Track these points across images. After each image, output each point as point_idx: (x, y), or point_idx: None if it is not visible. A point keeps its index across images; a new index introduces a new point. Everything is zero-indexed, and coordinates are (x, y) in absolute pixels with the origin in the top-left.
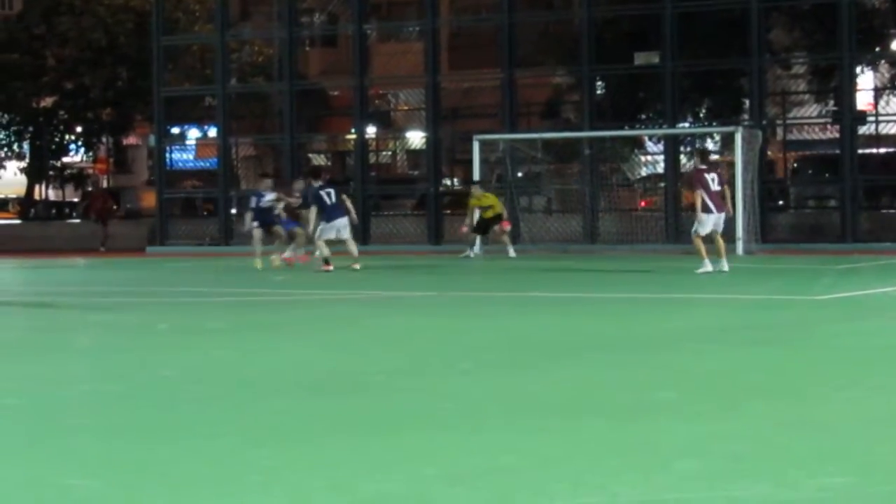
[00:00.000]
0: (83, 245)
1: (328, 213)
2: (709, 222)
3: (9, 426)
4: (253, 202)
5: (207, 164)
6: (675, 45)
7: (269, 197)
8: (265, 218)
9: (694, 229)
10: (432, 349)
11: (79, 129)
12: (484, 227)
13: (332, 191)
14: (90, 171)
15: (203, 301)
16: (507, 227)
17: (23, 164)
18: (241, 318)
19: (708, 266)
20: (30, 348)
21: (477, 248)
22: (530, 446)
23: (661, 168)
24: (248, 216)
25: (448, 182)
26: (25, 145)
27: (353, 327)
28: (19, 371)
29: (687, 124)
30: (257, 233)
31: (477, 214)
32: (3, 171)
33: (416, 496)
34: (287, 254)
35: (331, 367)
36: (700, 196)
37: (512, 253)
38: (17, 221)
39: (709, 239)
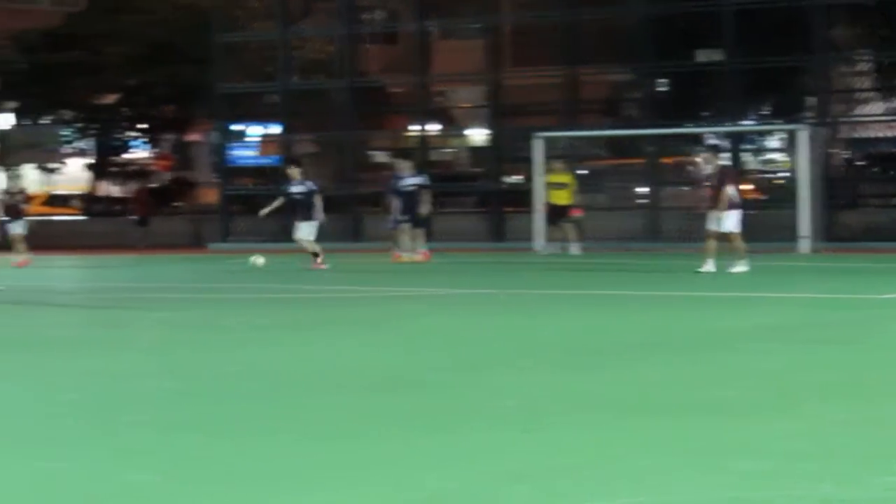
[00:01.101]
0: (160, 242)
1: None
2: (738, 218)
3: (70, 421)
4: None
5: (269, 161)
6: (737, 42)
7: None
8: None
9: (727, 227)
10: (491, 346)
11: (142, 126)
12: (554, 216)
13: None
14: (153, 167)
15: (264, 297)
16: (579, 213)
17: (87, 161)
18: (302, 315)
19: (743, 266)
20: (92, 344)
21: (566, 244)
22: (589, 444)
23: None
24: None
25: (509, 179)
26: (89, 142)
27: (412, 324)
28: (81, 367)
29: (748, 122)
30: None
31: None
32: (64, 166)
33: (475, 494)
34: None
35: (390, 363)
36: (729, 192)
37: (574, 250)
38: (81, 218)
39: (724, 237)
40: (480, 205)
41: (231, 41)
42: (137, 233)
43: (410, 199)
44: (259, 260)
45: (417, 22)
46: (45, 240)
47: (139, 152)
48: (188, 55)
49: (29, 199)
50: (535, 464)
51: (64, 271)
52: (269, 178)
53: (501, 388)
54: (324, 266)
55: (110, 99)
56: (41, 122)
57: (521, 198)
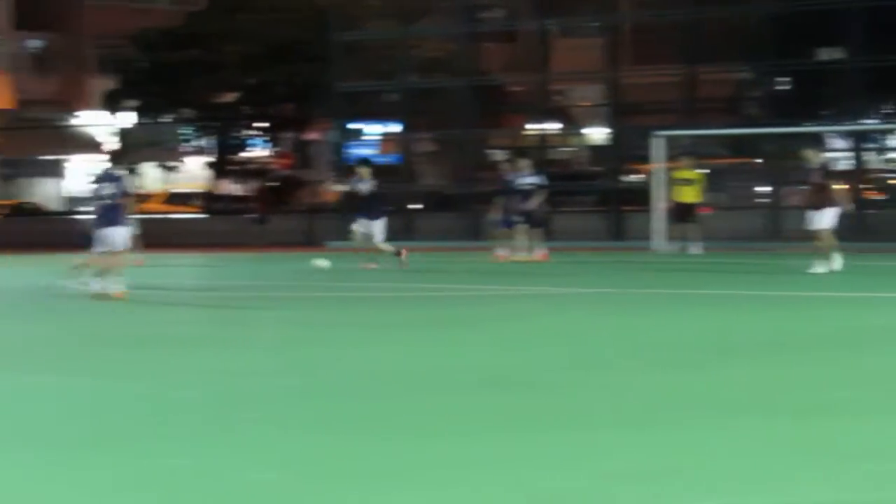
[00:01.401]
0: (278, 240)
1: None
2: (832, 216)
3: (189, 418)
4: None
5: (388, 159)
6: (859, 39)
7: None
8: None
9: (820, 224)
10: (606, 346)
11: (262, 124)
12: (681, 215)
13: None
14: (273, 166)
15: (380, 296)
16: (707, 212)
17: (206, 159)
18: (418, 313)
19: (825, 266)
20: (211, 342)
21: (686, 243)
22: (708, 444)
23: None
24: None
25: (628, 178)
26: (209, 140)
27: (528, 323)
28: (201, 364)
29: (870, 121)
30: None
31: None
32: (184, 164)
33: (594, 494)
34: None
35: (506, 362)
36: (832, 190)
37: (695, 250)
38: (201, 216)
39: (828, 235)
40: (599, 204)
41: (350, 40)
42: (256, 231)
43: (527, 198)
44: (322, 263)
45: (537, 20)
46: (164, 238)
47: (258, 151)
48: (307, 54)
49: (138, 198)
50: (651, 464)
51: (183, 269)
52: (388, 176)
53: (615, 388)
54: (374, 266)
55: (230, 97)
56: (161, 120)
57: (639, 196)
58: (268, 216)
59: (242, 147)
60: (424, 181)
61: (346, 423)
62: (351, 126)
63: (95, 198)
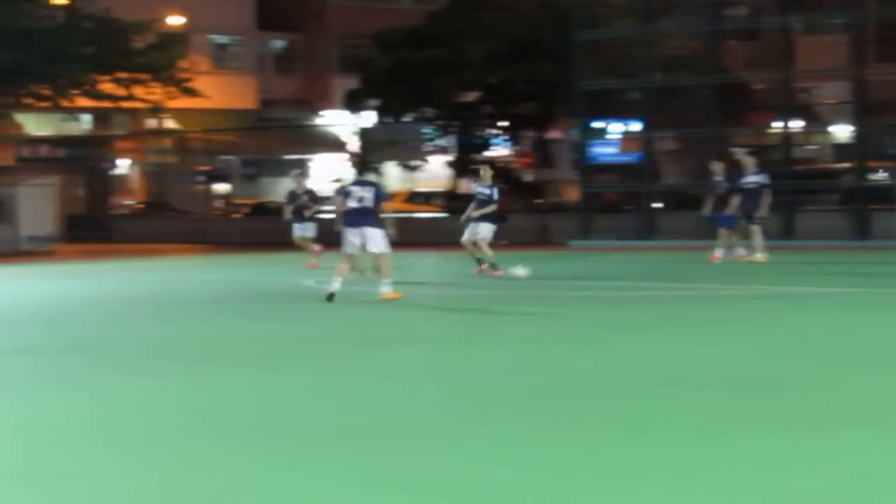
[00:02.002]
0: (516, 239)
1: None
2: None
3: (437, 416)
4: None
5: (629, 158)
6: None
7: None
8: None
9: None
10: (854, 347)
11: (503, 124)
12: None
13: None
14: (514, 165)
15: (625, 295)
16: None
17: (448, 159)
18: (661, 313)
19: None
20: (457, 339)
21: None
22: None
23: None
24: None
25: (874, 176)
26: (451, 139)
27: (772, 323)
28: (447, 361)
29: None
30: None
31: None
32: (426, 163)
33: (842, 494)
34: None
35: (752, 362)
36: None
37: None
38: (443, 215)
39: None
40: (843, 202)
41: (591, 38)
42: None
43: (751, 196)
44: (520, 272)
45: (780, 17)
46: (406, 237)
47: (499, 150)
48: (549, 52)
49: (316, 199)
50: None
51: (425, 268)
52: (630, 175)
53: (861, 389)
54: (498, 272)
55: (471, 96)
56: (402, 119)
57: (886, 195)
58: (506, 215)
59: (483, 146)
60: (666, 180)
61: (589, 422)
62: (592, 125)
63: (352, 201)
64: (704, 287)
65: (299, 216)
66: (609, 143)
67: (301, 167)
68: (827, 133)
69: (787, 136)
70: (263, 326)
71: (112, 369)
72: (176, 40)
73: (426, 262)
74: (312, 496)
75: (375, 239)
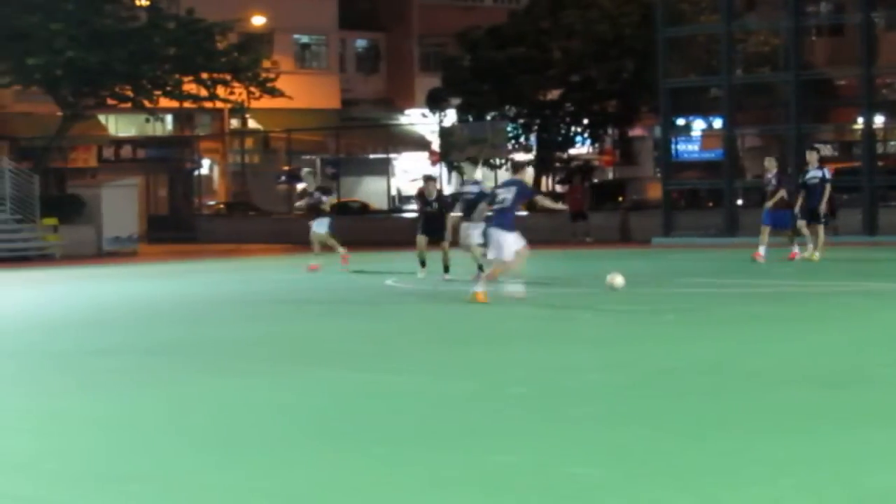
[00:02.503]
0: (597, 237)
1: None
2: None
3: (519, 413)
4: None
5: (712, 155)
6: None
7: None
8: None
9: None
10: None
11: (584, 121)
12: None
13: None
14: (596, 162)
15: (708, 292)
16: None
17: (530, 156)
18: (745, 310)
19: None
20: (536, 337)
21: None
22: None
23: None
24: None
25: None
26: (532, 137)
27: (857, 319)
28: (527, 360)
29: None
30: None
31: None
32: (507, 161)
33: None
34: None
35: (836, 358)
36: None
37: None
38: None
39: None
40: None
41: (675, 35)
42: (572, 228)
43: (815, 193)
44: (618, 281)
45: (863, 13)
46: None
47: (582, 147)
48: (632, 50)
49: (329, 193)
50: None
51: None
52: (712, 172)
53: None
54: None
55: (553, 95)
56: (485, 118)
57: None
58: (585, 213)
59: (566, 144)
60: (749, 177)
61: (674, 420)
62: (676, 122)
63: (494, 202)
64: (787, 284)
65: (316, 213)
66: (692, 140)
67: (334, 168)
68: None
69: (870, 132)
70: (348, 326)
71: (198, 369)
72: (259, 40)
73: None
74: (396, 495)
75: (509, 245)
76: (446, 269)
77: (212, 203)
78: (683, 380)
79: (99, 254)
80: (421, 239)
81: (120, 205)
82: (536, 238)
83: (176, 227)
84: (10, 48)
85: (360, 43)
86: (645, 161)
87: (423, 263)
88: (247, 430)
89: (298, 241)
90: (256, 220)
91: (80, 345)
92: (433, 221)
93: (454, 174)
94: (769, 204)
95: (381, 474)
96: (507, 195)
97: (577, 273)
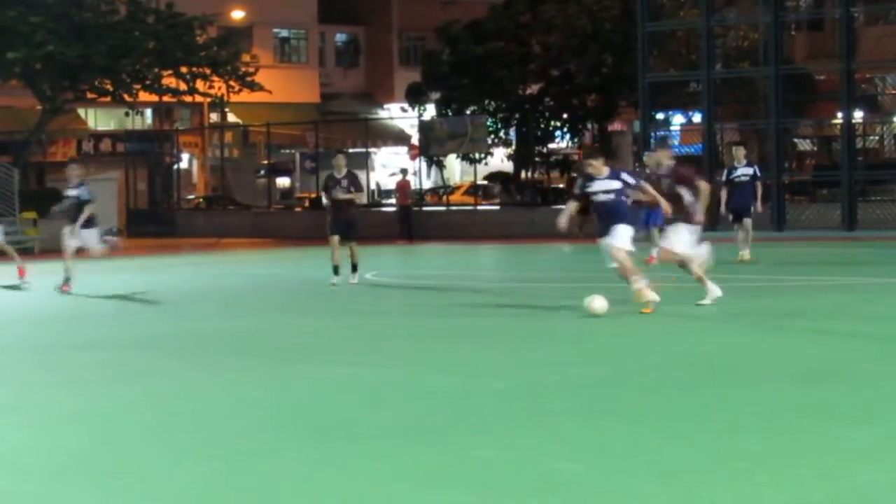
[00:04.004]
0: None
1: None
2: None
3: (499, 408)
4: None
5: (691, 150)
6: None
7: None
8: None
9: None
10: None
11: (564, 116)
12: None
13: None
14: (576, 157)
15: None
16: None
17: (509, 151)
18: (723, 305)
19: None
20: (517, 335)
21: None
22: None
23: None
24: None
25: None
26: (512, 132)
27: (837, 315)
28: (508, 356)
29: None
30: None
31: None
32: (490, 157)
33: None
34: None
35: (816, 354)
36: None
37: None
38: (497, 207)
39: None
40: None
41: (655, 30)
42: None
43: (742, 190)
44: (596, 304)
45: (843, 8)
46: (464, 229)
47: (562, 142)
48: (611, 44)
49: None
50: None
51: (481, 261)
52: (692, 166)
53: None
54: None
55: (533, 89)
56: (465, 112)
57: None
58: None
59: (546, 138)
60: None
61: (653, 414)
62: (656, 116)
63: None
64: (766, 279)
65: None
66: (671, 134)
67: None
68: (891, 123)
69: (850, 127)
70: (326, 322)
71: (178, 364)
72: (238, 34)
73: (482, 255)
74: (377, 489)
75: (620, 234)
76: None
77: (191, 197)
78: (664, 374)
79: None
80: None
81: (99, 199)
82: (520, 232)
83: (155, 222)
84: None
85: (340, 37)
86: (624, 156)
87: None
88: (228, 424)
89: (277, 234)
90: (236, 215)
91: (62, 339)
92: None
93: (433, 169)
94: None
95: (363, 469)
96: (619, 187)
97: (554, 267)
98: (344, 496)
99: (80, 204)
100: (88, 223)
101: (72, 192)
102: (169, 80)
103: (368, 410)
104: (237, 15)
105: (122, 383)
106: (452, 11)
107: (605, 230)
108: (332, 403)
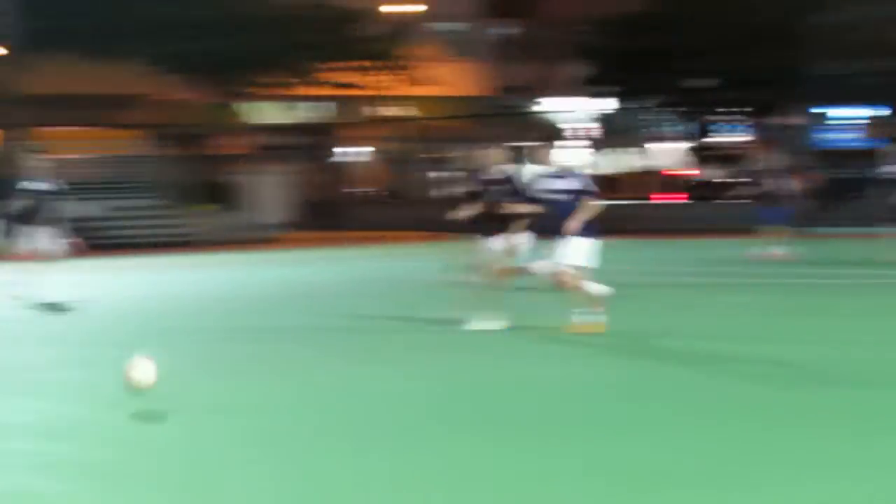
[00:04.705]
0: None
1: None
2: None
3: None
4: None
5: (871, 144)
6: None
7: None
8: None
9: None
10: None
11: (738, 110)
12: None
13: None
14: (748, 151)
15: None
16: None
17: (684, 145)
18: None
19: None
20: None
21: None
22: None
23: None
24: None
25: None
26: (680, 126)
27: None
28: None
29: None
30: None
31: None
32: (655, 149)
33: None
34: None
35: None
36: None
37: None
38: (686, 202)
39: None
40: None
41: (826, 22)
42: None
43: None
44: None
45: None
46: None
47: (735, 136)
48: (782, 37)
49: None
50: None
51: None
52: (865, 161)
53: None
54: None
55: (701, 83)
56: (632, 106)
57: None
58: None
59: (718, 132)
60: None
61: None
62: (827, 111)
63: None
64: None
65: None
66: (840, 128)
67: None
68: None
69: None
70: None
71: (329, 357)
72: (406, 28)
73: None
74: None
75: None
76: None
77: (362, 190)
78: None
79: (247, 240)
80: None
81: (269, 192)
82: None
83: (326, 215)
84: (155, 37)
85: (508, 30)
86: (793, 149)
87: None
88: (376, 418)
89: (443, 229)
90: (406, 208)
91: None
92: None
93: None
94: None
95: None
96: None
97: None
98: (500, 491)
99: (41, 199)
100: (47, 222)
101: (34, 186)
102: (339, 75)
103: (513, 404)
104: (404, 9)
105: (273, 376)
106: (623, 3)
107: None
108: (500, 396)
